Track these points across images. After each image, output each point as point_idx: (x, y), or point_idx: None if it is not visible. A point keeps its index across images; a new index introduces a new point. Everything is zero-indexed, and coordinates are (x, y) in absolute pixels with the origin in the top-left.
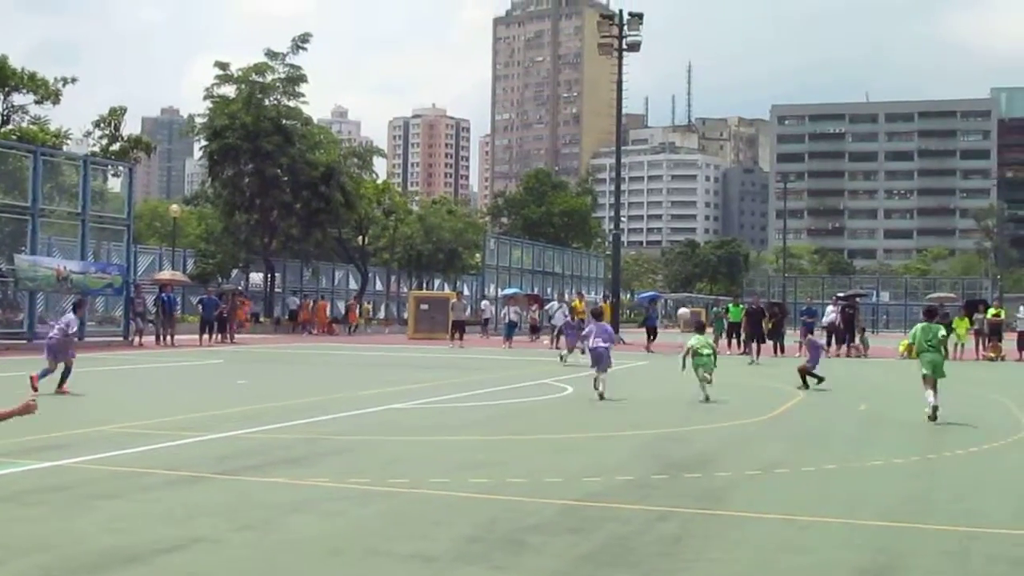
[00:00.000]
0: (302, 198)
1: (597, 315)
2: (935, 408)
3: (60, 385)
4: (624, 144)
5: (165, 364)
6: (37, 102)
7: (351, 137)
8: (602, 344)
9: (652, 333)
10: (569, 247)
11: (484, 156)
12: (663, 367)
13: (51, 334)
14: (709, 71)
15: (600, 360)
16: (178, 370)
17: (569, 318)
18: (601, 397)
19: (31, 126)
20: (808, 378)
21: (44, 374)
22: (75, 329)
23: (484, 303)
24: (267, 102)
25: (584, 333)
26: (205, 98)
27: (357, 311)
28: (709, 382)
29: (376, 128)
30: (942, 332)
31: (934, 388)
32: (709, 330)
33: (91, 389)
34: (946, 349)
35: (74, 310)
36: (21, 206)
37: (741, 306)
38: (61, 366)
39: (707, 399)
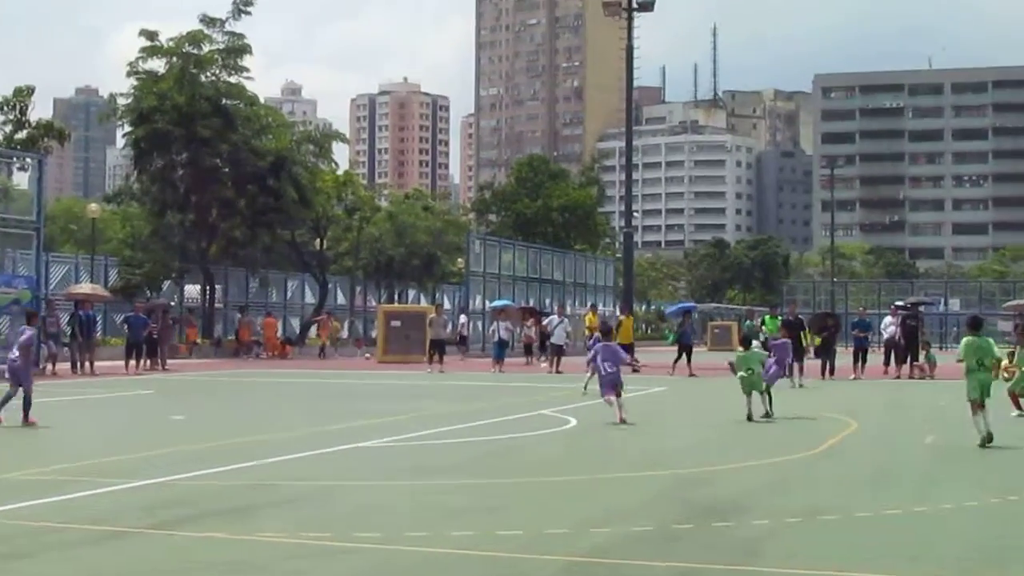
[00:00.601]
0: (247, 193)
1: (605, 333)
2: (990, 433)
3: (25, 416)
4: (636, 124)
5: (84, 396)
6: None
7: (306, 120)
8: (611, 368)
9: (687, 352)
10: (571, 249)
11: (467, 140)
12: (691, 392)
13: (11, 355)
14: (738, 34)
15: (612, 385)
16: (99, 403)
17: (567, 335)
18: (623, 422)
19: None
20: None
21: (3, 401)
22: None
23: (462, 318)
24: (204, 78)
25: (590, 356)
26: (129, 74)
27: (328, 329)
28: (763, 392)
29: (336, 108)
30: (996, 350)
31: (982, 411)
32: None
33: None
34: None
35: (28, 322)
36: None
37: (779, 318)
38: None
39: (767, 414)
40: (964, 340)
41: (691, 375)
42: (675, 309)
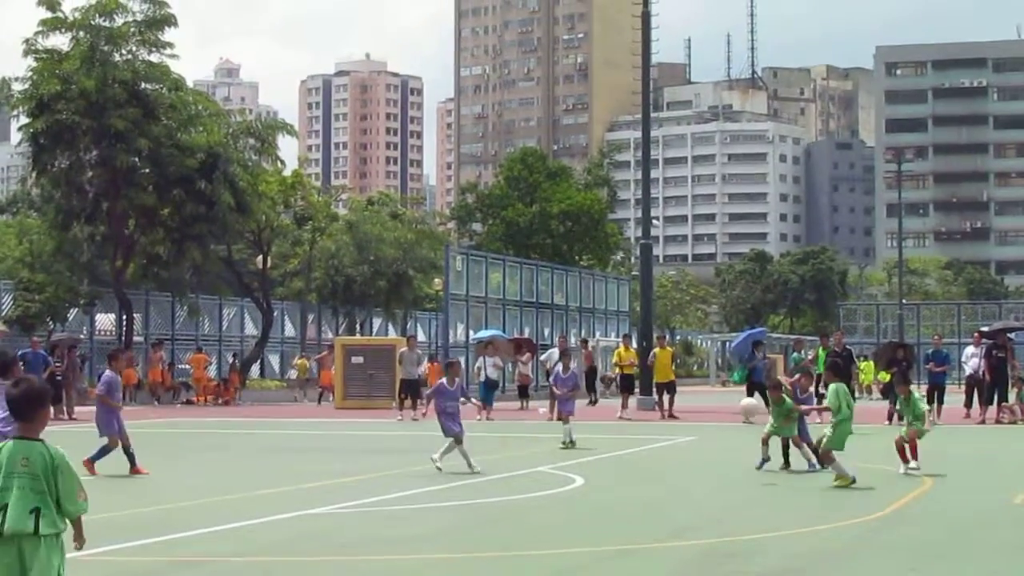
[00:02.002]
0: (171, 200)
1: (563, 354)
2: None
3: (132, 466)
4: (656, 109)
5: None
6: None
7: (244, 107)
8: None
9: (760, 391)
10: (576, 266)
11: (444, 132)
12: (726, 442)
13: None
14: None
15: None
16: None
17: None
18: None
19: None
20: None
21: (100, 454)
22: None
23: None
24: (117, 57)
25: (551, 379)
26: (26, 54)
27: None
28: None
29: (282, 92)
30: None
31: None
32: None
33: None
34: None
35: (110, 364)
36: None
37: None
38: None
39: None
40: None
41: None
42: (742, 340)
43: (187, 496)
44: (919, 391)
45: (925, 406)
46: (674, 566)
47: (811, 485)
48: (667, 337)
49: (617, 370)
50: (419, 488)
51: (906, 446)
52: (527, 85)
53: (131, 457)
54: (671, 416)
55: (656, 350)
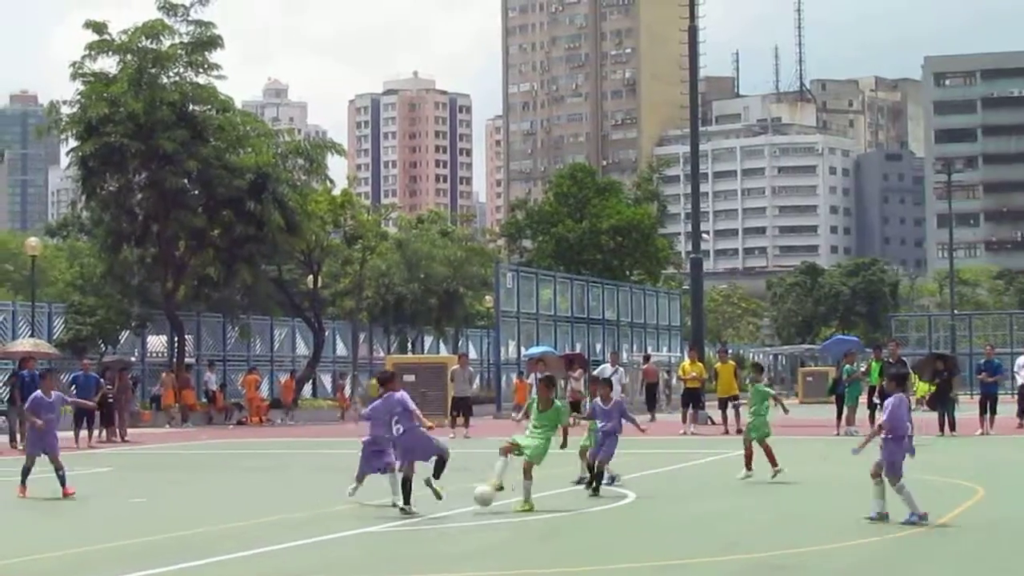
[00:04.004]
0: (221, 221)
1: (601, 382)
2: None
3: (63, 487)
4: (704, 123)
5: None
6: None
7: (293, 127)
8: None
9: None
10: (626, 281)
11: (494, 148)
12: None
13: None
14: (828, 9)
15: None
16: (42, 483)
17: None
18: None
19: None
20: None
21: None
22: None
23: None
24: (165, 79)
25: (589, 409)
26: (74, 77)
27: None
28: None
29: (330, 112)
30: None
31: None
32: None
33: None
34: None
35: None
36: None
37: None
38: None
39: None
40: None
41: (838, 433)
42: (833, 345)
43: (244, 516)
44: (970, 400)
45: None
46: None
47: (861, 499)
48: (729, 351)
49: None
50: (470, 506)
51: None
52: (575, 101)
53: (61, 479)
54: (738, 431)
55: (718, 365)
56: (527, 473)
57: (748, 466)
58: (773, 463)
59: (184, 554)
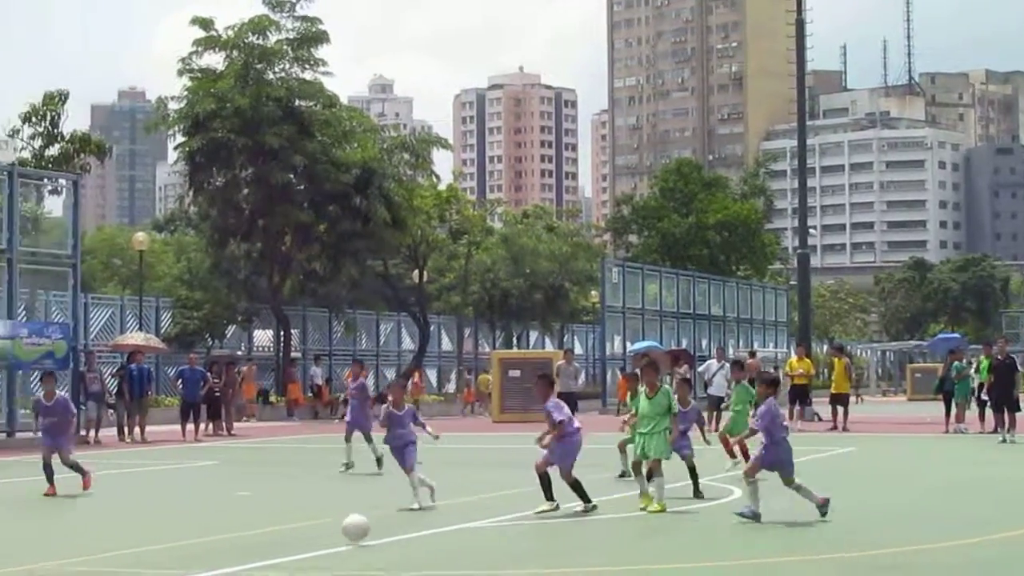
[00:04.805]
0: (327, 215)
1: (681, 382)
2: None
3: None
4: (811, 117)
5: (130, 469)
6: None
7: (399, 122)
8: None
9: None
10: (732, 276)
11: (599, 143)
12: (890, 453)
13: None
14: (937, 1)
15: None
16: (149, 477)
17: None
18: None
19: None
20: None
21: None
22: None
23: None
24: (271, 75)
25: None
26: (181, 73)
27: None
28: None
29: (436, 107)
30: None
31: None
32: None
33: (18, 508)
34: None
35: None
36: None
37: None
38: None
39: None
40: None
41: (946, 431)
42: (937, 342)
43: (347, 510)
44: None
45: None
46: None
47: (972, 497)
48: (842, 348)
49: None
50: (576, 501)
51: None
52: (681, 95)
53: (49, 476)
54: (844, 429)
55: (832, 361)
56: (657, 470)
57: (730, 455)
58: (731, 455)
59: (288, 548)
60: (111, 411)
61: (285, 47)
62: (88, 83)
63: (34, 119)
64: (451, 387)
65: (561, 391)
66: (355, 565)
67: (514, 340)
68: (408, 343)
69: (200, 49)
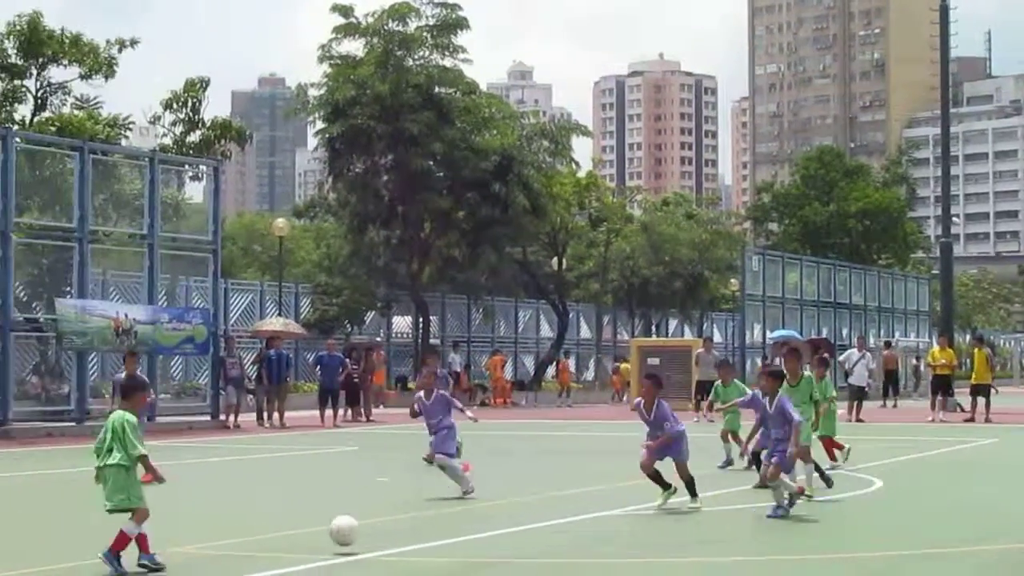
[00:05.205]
0: (466, 202)
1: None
2: None
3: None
4: (955, 104)
5: (269, 454)
6: (84, 76)
7: (538, 109)
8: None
9: None
10: (874, 265)
11: (739, 131)
12: None
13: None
14: None
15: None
16: (288, 462)
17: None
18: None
19: (76, 112)
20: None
21: None
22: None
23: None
24: (411, 62)
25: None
26: (321, 60)
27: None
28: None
29: (576, 94)
30: None
31: None
32: None
33: (158, 491)
34: None
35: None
36: (63, 228)
37: None
38: None
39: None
40: None
41: None
42: None
43: (488, 497)
44: None
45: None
46: (976, 570)
47: None
48: (984, 338)
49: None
50: (711, 491)
51: None
52: (823, 82)
53: None
54: (987, 420)
55: (973, 351)
56: (805, 457)
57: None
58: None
59: (423, 534)
60: (250, 396)
61: (425, 34)
62: (229, 70)
63: (175, 106)
64: (589, 375)
65: (699, 379)
66: (494, 553)
67: (653, 328)
68: (546, 330)
69: (340, 36)
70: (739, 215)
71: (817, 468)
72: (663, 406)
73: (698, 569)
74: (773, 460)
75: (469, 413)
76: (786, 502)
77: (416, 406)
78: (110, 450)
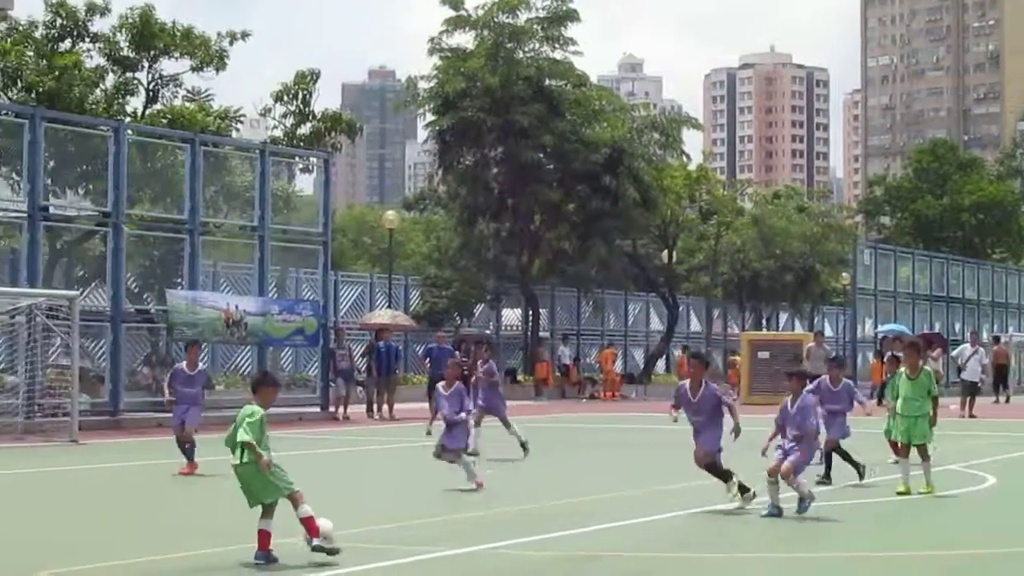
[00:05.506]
0: (576, 195)
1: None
2: None
3: (189, 462)
4: None
5: (379, 446)
6: (195, 69)
7: (648, 101)
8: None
9: None
10: (987, 259)
11: (851, 123)
12: None
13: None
14: None
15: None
16: (396, 454)
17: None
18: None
19: (187, 104)
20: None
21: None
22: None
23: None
24: (521, 54)
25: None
26: (431, 52)
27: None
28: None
29: (686, 87)
30: None
31: None
32: None
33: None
34: None
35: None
36: (174, 220)
37: None
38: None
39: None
40: None
41: None
42: None
43: (589, 491)
44: None
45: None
46: None
47: None
48: None
49: None
50: (825, 486)
51: None
52: (936, 75)
53: (188, 453)
54: None
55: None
56: (924, 454)
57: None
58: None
59: (522, 528)
60: (360, 388)
61: (535, 26)
62: (339, 62)
63: (286, 98)
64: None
65: (811, 373)
66: (597, 546)
67: (763, 322)
68: (656, 323)
69: (450, 28)
70: (851, 208)
71: (847, 458)
72: (711, 387)
73: (781, 565)
74: (790, 458)
75: (469, 406)
76: (806, 502)
77: (436, 397)
78: (241, 449)
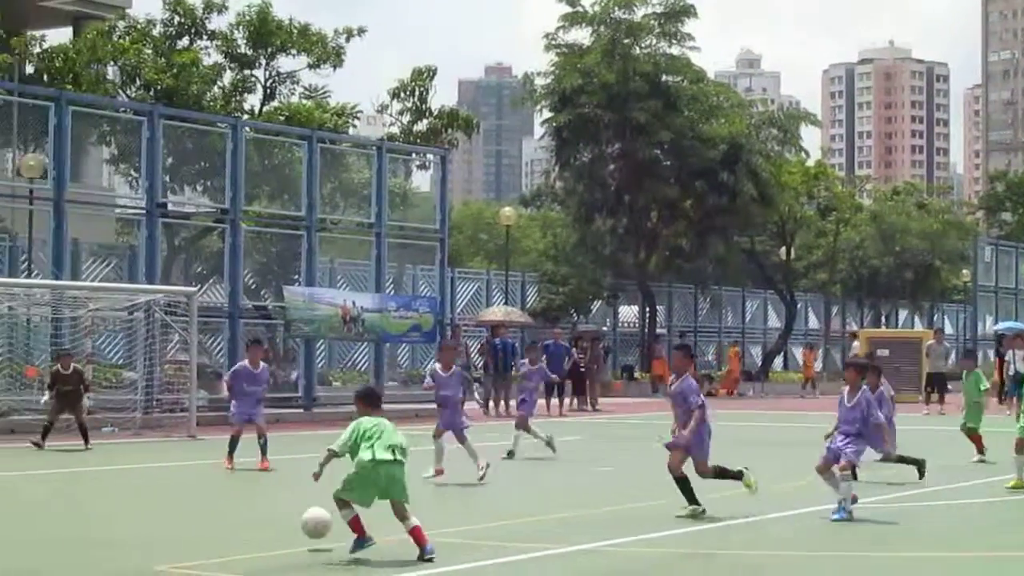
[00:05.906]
0: (694, 191)
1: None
2: None
3: (262, 457)
4: None
5: (493, 442)
6: (312, 66)
7: (766, 97)
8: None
9: None
10: None
11: (972, 119)
12: None
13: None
14: None
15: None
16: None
17: None
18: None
19: (304, 101)
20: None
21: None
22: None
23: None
24: (638, 50)
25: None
26: (547, 48)
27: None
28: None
29: (805, 82)
30: None
31: None
32: None
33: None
34: None
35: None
36: (292, 216)
37: None
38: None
39: None
40: None
41: None
42: None
43: (704, 489)
44: None
45: None
46: None
47: None
48: None
49: None
50: (945, 484)
51: None
52: None
53: (261, 448)
54: None
55: None
56: None
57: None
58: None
59: (640, 525)
60: (478, 385)
61: (652, 21)
62: (455, 59)
63: (402, 95)
64: (817, 366)
65: (930, 371)
66: (707, 544)
67: (882, 319)
68: (774, 320)
69: (566, 24)
70: (971, 204)
71: (903, 458)
72: (687, 382)
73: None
74: (848, 451)
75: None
76: (848, 503)
77: (429, 377)
78: (402, 450)
